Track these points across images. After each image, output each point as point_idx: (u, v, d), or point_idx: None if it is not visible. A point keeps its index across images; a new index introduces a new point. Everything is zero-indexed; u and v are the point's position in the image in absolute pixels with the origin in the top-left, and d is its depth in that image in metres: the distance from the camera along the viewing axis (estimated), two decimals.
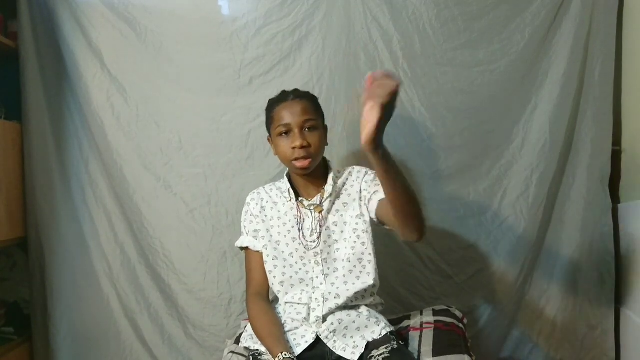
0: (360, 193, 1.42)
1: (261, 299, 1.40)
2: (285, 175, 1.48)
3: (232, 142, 1.86)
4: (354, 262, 1.37)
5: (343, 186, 1.44)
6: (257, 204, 1.46)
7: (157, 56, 1.86)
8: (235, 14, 1.85)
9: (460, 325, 1.48)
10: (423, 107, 1.82)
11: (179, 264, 1.89)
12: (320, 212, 1.40)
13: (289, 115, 1.34)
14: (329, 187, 1.41)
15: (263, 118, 1.82)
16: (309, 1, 1.81)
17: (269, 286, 1.43)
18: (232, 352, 1.37)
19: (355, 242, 1.38)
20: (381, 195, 1.32)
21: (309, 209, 1.41)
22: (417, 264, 1.85)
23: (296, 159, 1.34)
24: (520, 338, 1.88)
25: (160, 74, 1.86)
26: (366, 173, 1.44)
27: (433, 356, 1.30)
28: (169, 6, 1.86)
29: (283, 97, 1.39)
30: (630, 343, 1.72)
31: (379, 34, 1.81)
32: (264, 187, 1.51)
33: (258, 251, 1.43)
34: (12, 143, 1.86)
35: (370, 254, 1.38)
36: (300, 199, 1.43)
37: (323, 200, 1.41)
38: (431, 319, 1.49)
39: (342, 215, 1.41)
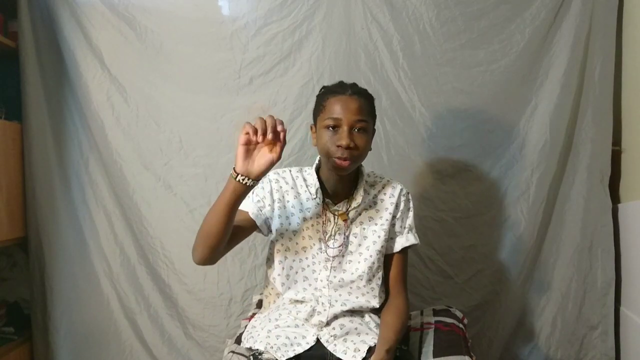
0: (392, 219, 1.35)
1: None
2: (314, 168, 1.35)
3: (232, 142, 1.86)
4: (363, 281, 1.32)
5: (374, 198, 1.36)
6: (279, 188, 1.35)
7: (157, 56, 1.86)
8: (235, 14, 1.85)
9: (461, 325, 1.47)
10: (423, 107, 1.82)
11: (179, 264, 1.89)
12: (344, 220, 1.32)
13: (342, 110, 1.23)
14: (358, 197, 1.32)
15: None
16: (309, 1, 1.82)
17: (227, 246, 1.27)
18: (233, 352, 1.36)
19: (366, 259, 1.32)
20: (399, 245, 1.36)
21: (334, 214, 1.33)
22: (418, 264, 1.85)
23: (338, 158, 1.23)
24: (521, 338, 1.88)
25: (160, 74, 1.87)
26: (401, 194, 1.36)
27: (434, 357, 1.30)
28: (169, 6, 1.86)
29: (340, 90, 1.27)
30: (630, 343, 1.72)
31: (379, 34, 1.81)
32: (290, 171, 1.38)
33: (251, 220, 1.31)
34: (12, 143, 1.87)
35: (379, 278, 1.35)
36: (326, 200, 1.34)
37: (350, 208, 1.32)
38: (431, 319, 1.48)
39: (364, 229, 1.34)
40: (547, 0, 1.77)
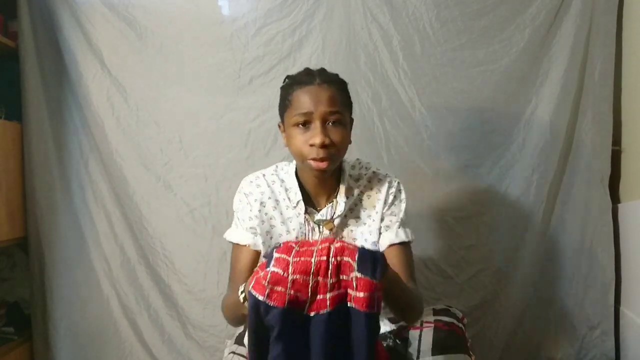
0: (382, 216, 1.20)
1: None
2: (294, 173, 1.21)
3: (232, 142, 1.86)
4: None
5: (359, 195, 1.21)
6: (256, 200, 1.20)
7: (157, 56, 1.86)
8: (235, 14, 1.85)
9: (460, 325, 1.47)
10: (423, 107, 1.82)
11: (179, 264, 1.88)
12: (330, 229, 1.18)
13: (312, 103, 1.07)
14: (342, 202, 1.18)
15: (263, 118, 1.85)
16: (309, 1, 1.82)
17: None
18: (233, 352, 1.36)
19: None
20: (387, 241, 1.19)
21: (318, 224, 1.19)
22: (418, 264, 1.84)
23: (313, 159, 1.08)
24: (521, 338, 1.87)
25: (160, 74, 1.86)
26: (389, 189, 1.21)
27: (432, 355, 1.30)
28: (169, 6, 1.86)
29: (307, 79, 1.10)
30: (630, 343, 1.72)
31: (379, 34, 1.81)
32: (264, 177, 1.23)
33: (256, 250, 1.21)
34: (12, 143, 1.87)
35: None
36: (309, 209, 1.20)
37: (335, 215, 1.18)
38: (431, 318, 1.48)
39: (352, 231, 1.21)
40: (547, 0, 1.77)
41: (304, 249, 0.88)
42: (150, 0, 1.85)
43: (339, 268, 0.86)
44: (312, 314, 0.87)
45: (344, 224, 1.21)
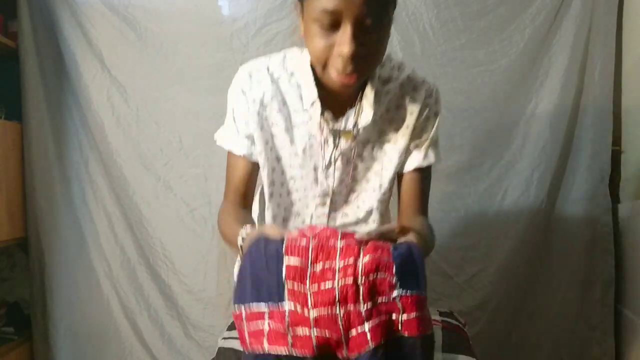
0: (412, 133, 0.99)
1: (239, 207, 1.02)
2: (309, 64, 0.95)
3: None
4: (374, 216, 1.05)
5: (388, 104, 0.99)
6: (254, 100, 0.98)
7: (157, 56, 1.86)
8: (235, 14, 1.85)
9: (465, 329, 1.48)
10: None
11: (179, 264, 1.89)
12: (351, 138, 0.97)
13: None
14: (368, 109, 0.93)
15: None
16: None
17: (252, 200, 1.08)
18: (224, 338, 1.35)
19: (375, 190, 1.03)
20: (415, 162, 1.02)
21: (335, 135, 0.97)
22: None
23: (337, 71, 0.84)
24: (520, 338, 1.87)
25: (160, 74, 1.86)
26: (425, 100, 0.99)
27: (442, 352, 1.29)
28: (169, 6, 1.86)
29: None
30: (630, 343, 1.72)
31: None
32: (268, 70, 0.98)
33: (254, 161, 1.02)
34: (12, 143, 1.87)
35: (389, 212, 1.08)
36: (325, 113, 0.96)
37: (359, 125, 0.95)
38: (438, 317, 1.48)
39: (373, 148, 1.00)
40: (547, 0, 1.77)
41: (319, 269, 0.65)
42: (150, 0, 1.85)
43: (373, 289, 0.65)
44: (351, 356, 0.66)
45: (365, 139, 0.99)
